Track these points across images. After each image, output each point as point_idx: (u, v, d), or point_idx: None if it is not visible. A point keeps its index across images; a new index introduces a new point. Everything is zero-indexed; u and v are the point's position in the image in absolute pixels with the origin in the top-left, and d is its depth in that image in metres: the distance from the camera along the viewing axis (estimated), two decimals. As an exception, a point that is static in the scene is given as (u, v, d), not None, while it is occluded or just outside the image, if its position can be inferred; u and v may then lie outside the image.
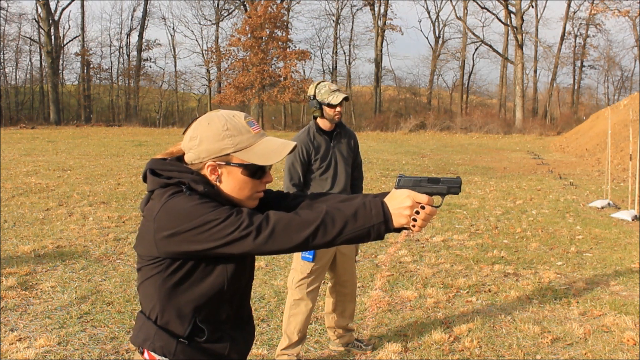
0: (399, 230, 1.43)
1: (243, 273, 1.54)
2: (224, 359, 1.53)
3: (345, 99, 3.33)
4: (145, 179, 1.50)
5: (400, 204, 1.39)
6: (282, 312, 4.17)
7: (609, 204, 9.18)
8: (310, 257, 3.32)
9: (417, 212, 1.40)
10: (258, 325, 4.04)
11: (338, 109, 3.35)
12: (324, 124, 3.43)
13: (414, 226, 1.40)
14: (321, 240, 1.37)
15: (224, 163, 1.46)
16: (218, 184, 1.48)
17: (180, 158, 1.53)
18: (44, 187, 10.23)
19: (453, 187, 1.46)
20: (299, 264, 3.39)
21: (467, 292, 4.83)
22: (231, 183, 1.48)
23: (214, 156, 1.46)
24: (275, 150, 1.48)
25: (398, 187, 1.45)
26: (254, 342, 3.74)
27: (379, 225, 1.38)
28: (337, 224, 1.36)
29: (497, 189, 11.25)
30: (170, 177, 1.45)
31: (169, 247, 1.39)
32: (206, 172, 1.48)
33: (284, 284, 4.87)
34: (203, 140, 1.46)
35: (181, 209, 1.37)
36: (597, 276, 5.35)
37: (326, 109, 3.36)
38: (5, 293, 4.56)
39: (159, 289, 1.46)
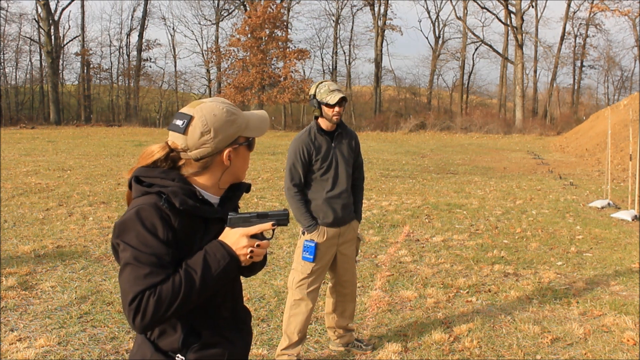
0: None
1: None
2: None
3: (343, 99, 3.30)
4: (131, 187, 1.52)
5: (236, 244, 1.47)
6: (282, 312, 4.17)
7: (609, 204, 9.18)
8: (311, 257, 3.32)
9: (257, 246, 1.49)
10: (258, 325, 4.05)
11: (336, 109, 3.32)
12: (324, 124, 3.42)
13: (251, 257, 1.49)
14: (195, 300, 1.42)
15: (237, 145, 1.55)
16: (229, 166, 1.55)
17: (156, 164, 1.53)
18: (44, 187, 10.23)
19: (281, 219, 1.54)
20: (299, 264, 3.39)
21: (467, 292, 4.83)
22: (239, 162, 1.59)
23: (230, 142, 1.53)
24: (261, 120, 1.62)
25: (229, 225, 1.51)
26: (254, 342, 3.74)
27: (229, 264, 1.45)
28: (196, 282, 1.41)
29: (497, 189, 11.25)
30: (152, 184, 1.48)
31: (117, 254, 1.46)
32: (223, 159, 1.53)
33: (284, 284, 4.87)
34: (218, 131, 1.50)
35: (130, 229, 1.42)
36: (597, 276, 5.35)
37: (325, 109, 3.34)
38: (5, 293, 4.56)
39: None
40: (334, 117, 3.35)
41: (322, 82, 3.39)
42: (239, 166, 1.58)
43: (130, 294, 1.36)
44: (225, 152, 1.52)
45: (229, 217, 1.51)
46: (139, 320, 1.35)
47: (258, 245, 1.48)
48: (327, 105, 3.31)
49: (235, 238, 1.47)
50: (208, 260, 1.43)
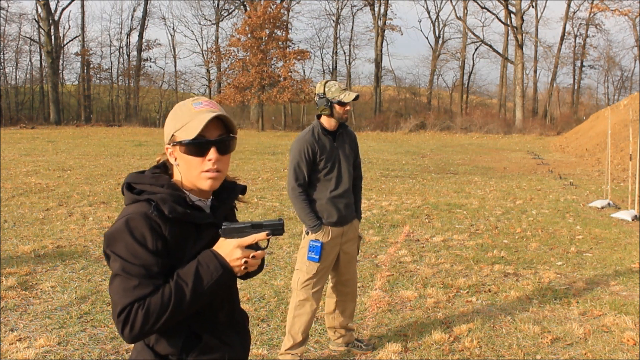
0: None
1: None
2: None
3: (356, 97, 3.35)
4: (124, 193, 1.53)
5: (230, 256, 1.44)
6: (282, 312, 4.18)
7: (609, 204, 9.18)
8: (317, 257, 3.32)
9: (252, 257, 1.47)
10: (258, 325, 4.05)
11: (347, 107, 3.37)
12: (329, 123, 3.43)
13: (245, 268, 1.48)
14: (186, 311, 1.41)
15: (171, 144, 1.50)
16: (177, 166, 1.51)
17: (164, 164, 1.57)
18: (44, 187, 10.23)
19: (276, 229, 1.50)
20: (304, 264, 3.38)
21: (467, 292, 4.83)
22: (181, 163, 1.49)
23: (168, 140, 1.51)
24: (199, 119, 1.44)
25: (223, 235, 1.49)
26: (254, 342, 3.74)
27: (222, 276, 1.44)
28: (186, 294, 1.40)
29: (497, 189, 11.25)
30: (142, 191, 1.48)
31: (110, 262, 1.45)
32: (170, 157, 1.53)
33: (284, 284, 4.87)
34: (165, 129, 1.54)
35: (120, 239, 1.41)
36: (597, 276, 5.35)
37: (336, 107, 3.36)
38: (5, 293, 4.56)
39: None
40: (344, 116, 3.40)
41: (329, 81, 3.41)
42: (182, 169, 1.49)
43: (119, 305, 1.37)
44: (165, 148, 1.53)
45: (222, 227, 1.48)
46: (128, 331, 1.36)
47: (253, 256, 1.46)
48: (340, 103, 3.33)
49: (229, 249, 1.45)
50: (200, 272, 1.41)
